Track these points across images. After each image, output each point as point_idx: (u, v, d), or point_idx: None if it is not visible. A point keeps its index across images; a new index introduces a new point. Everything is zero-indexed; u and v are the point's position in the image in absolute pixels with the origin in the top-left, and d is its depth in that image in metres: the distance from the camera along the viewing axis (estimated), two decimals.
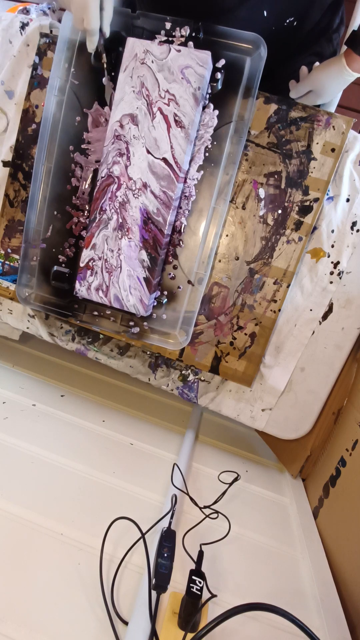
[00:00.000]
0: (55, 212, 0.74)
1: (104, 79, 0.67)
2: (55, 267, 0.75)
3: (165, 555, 0.49)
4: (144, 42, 0.64)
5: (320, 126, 0.69)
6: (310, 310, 0.77)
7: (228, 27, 0.67)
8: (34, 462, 0.67)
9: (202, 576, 0.48)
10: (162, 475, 0.73)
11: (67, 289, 0.75)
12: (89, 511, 0.60)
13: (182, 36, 0.65)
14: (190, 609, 0.45)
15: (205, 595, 0.47)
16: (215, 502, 0.68)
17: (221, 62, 0.65)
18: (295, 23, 0.75)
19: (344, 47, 0.65)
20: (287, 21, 0.74)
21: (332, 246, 0.74)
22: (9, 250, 0.83)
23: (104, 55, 0.65)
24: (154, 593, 0.46)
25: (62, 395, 0.92)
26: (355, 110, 1.53)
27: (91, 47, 0.62)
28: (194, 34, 0.64)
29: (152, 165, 0.66)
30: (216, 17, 0.72)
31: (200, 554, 0.53)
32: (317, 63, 0.70)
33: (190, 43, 0.64)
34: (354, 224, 0.74)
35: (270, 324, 0.76)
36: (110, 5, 0.61)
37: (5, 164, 0.80)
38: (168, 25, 0.65)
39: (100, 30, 0.61)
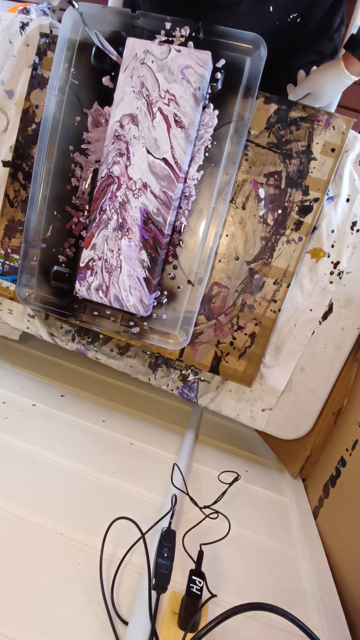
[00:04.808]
0: (55, 212, 0.74)
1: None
2: (55, 267, 0.75)
3: (165, 555, 0.49)
4: (144, 42, 0.64)
5: (320, 126, 0.69)
6: (310, 310, 0.77)
7: (233, 21, 0.67)
8: (34, 462, 0.67)
9: (202, 576, 0.48)
10: (162, 475, 0.73)
11: (67, 289, 0.75)
12: (89, 511, 0.60)
13: (182, 36, 0.65)
14: (190, 609, 0.45)
15: (205, 595, 0.47)
16: (215, 502, 0.68)
17: (221, 62, 0.65)
18: (298, 20, 0.75)
19: (343, 51, 0.65)
20: (291, 17, 0.74)
21: (332, 246, 0.74)
22: (9, 250, 0.83)
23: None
24: (154, 593, 0.46)
25: (62, 395, 0.92)
26: (355, 110, 1.53)
27: None
28: (194, 34, 0.64)
29: (152, 165, 0.66)
30: (221, 11, 0.72)
31: (200, 554, 0.53)
32: (314, 67, 0.70)
33: (190, 43, 0.64)
34: (354, 224, 0.74)
35: (270, 324, 0.76)
36: None
37: (5, 164, 0.80)
38: (168, 25, 0.65)
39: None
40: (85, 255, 0.70)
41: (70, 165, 0.72)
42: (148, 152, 0.65)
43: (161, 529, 0.53)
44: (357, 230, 0.74)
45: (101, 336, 0.87)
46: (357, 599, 0.58)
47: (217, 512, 0.66)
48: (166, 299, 0.74)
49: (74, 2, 0.61)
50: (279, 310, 0.76)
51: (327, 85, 0.68)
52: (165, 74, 0.63)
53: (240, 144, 0.68)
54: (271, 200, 0.72)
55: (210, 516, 0.65)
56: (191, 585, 0.46)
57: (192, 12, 0.67)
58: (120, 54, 0.65)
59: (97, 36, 0.63)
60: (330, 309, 0.77)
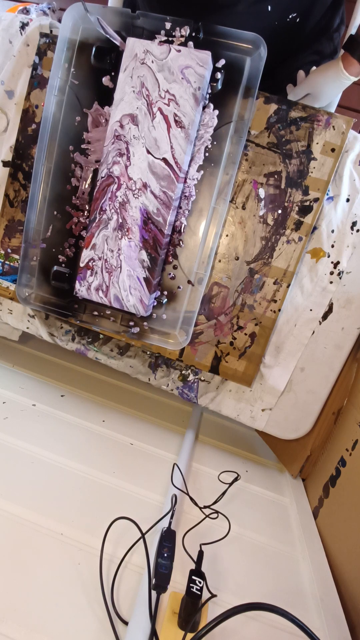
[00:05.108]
0: (55, 212, 0.74)
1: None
2: (55, 267, 0.75)
3: (165, 555, 0.49)
4: (144, 42, 0.64)
5: (320, 126, 0.69)
6: (310, 310, 0.77)
7: (231, 21, 0.67)
8: (34, 462, 0.67)
9: (202, 576, 0.48)
10: (162, 475, 0.73)
11: (67, 289, 0.75)
12: (89, 511, 0.60)
13: (182, 36, 0.65)
14: (190, 609, 0.45)
15: (205, 595, 0.47)
16: (215, 502, 0.68)
17: (221, 62, 0.65)
18: (297, 19, 0.75)
19: (342, 51, 0.65)
20: (290, 17, 0.74)
21: (332, 246, 0.74)
22: (9, 250, 0.83)
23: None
24: (154, 593, 0.46)
25: (62, 395, 0.92)
26: (355, 110, 1.53)
27: None
28: (194, 34, 0.64)
29: (152, 165, 0.66)
30: (219, 11, 0.72)
31: (200, 554, 0.53)
32: (314, 68, 0.70)
33: (190, 43, 0.64)
34: (354, 224, 0.74)
35: (270, 324, 0.76)
36: None
37: (5, 164, 0.80)
38: (168, 25, 0.65)
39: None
40: (85, 255, 0.70)
41: (70, 165, 0.72)
42: (148, 152, 0.65)
43: (161, 529, 0.53)
44: (357, 230, 0.74)
45: (101, 336, 0.87)
46: (357, 599, 0.58)
47: (217, 512, 0.66)
48: (166, 299, 0.74)
49: None
50: (279, 310, 0.76)
51: (326, 86, 0.68)
52: (165, 74, 0.63)
53: (240, 144, 0.68)
54: (271, 200, 0.72)
55: (210, 516, 0.65)
56: (191, 585, 0.46)
57: (190, 12, 0.67)
58: (121, 54, 0.65)
59: (99, 21, 0.63)
60: (330, 309, 0.77)
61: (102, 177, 0.68)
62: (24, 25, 0.76)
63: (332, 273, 0.75)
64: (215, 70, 0.66)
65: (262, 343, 0.77)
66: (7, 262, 0.83)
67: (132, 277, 0.69)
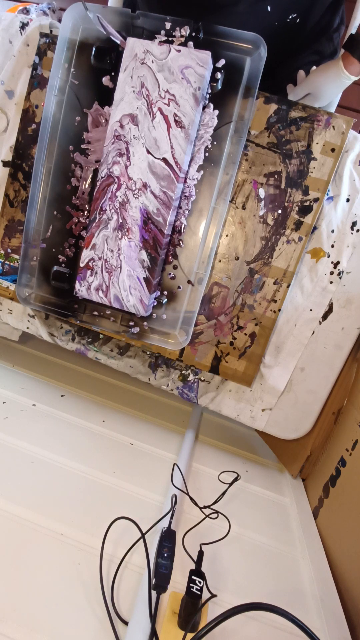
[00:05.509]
0: (55, 212, 0.74)
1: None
2: (55, 267, 0.75)
3: (165, 555, 0.49)
4: (144, 42, 0.64)
5: (320, 126, 0.69)
6: (310, 310, 0.77)
7: (231, 21, 0.67)
8: (34, 462, 0.67)
9: (202, 576, 0.48)
10: (162, 475, 0.73)
11: (67, 289, 0.75)
12: (89, 511, 0.60)
13: (182, 36, 0.65)
14: (190, 609, 0.45)
15: (205, 595, 0.47)
16: (215, 502, 0.68)
17: (221, 62, 0.65)
18: (297, 20, 0.75)
19: (342, 51, 0.66)
20: (290, 17, 0.74)
21: (332, 246, 0.74)
22: (9, 250, 0.83)
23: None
24: (154, 593, 0.46)
25: (62, 395, 0.92)
26: (355, 110, 1.53)
27: None
28: (194, 34, 0.64)
29: (152, 165, 0.66)
30: (219, 11, 0.72)
31: (200, 554, 0.53)
32: (314, 67, 0.70)
33: (190, 43, 0.64)
34: (354, 224, 0.74)
35: (270, 324, 0.76)
36: None
37: (5, 164, 0.80)
38: (168, 25, 0.65)
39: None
40: (85, 255, 0.70)
41: (70, 165, 0.72)
42: (148, 152, 0.65)
43: (161, 529, 0.53)
44: (357, 230, 0.74)
45: (101, 336, 0.87)
46: (357, 599, 0.58)
47: (217, 512, 0.66)
48: (166, 299, 0.74)
49: None
50: (279, 310, 0.76)
51: (326, 85, 0.68)
52: (165, 74, 0.63)
53: (240, 144, 0.68)
54: (271, 200, 0.72)
55: (210, 516, 0.65)
56: (191, 585, 0.46)
57: (189, 13, 0.67)
58: (121, 54, 0.65)
59: (99, 20, 0.62)
60: (330, 309, 0.77)
61: (102, 177, 0.68)
62: (24, 25, 0.76)
63: (332, 273, 0.75)
64: (215, 70, 0.66)
65: (262, 343, 0.77)
66: (7, 262, 0.83)
67: (132, 277, 0.69)
